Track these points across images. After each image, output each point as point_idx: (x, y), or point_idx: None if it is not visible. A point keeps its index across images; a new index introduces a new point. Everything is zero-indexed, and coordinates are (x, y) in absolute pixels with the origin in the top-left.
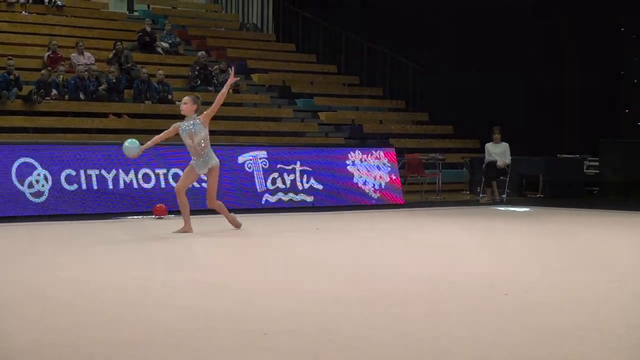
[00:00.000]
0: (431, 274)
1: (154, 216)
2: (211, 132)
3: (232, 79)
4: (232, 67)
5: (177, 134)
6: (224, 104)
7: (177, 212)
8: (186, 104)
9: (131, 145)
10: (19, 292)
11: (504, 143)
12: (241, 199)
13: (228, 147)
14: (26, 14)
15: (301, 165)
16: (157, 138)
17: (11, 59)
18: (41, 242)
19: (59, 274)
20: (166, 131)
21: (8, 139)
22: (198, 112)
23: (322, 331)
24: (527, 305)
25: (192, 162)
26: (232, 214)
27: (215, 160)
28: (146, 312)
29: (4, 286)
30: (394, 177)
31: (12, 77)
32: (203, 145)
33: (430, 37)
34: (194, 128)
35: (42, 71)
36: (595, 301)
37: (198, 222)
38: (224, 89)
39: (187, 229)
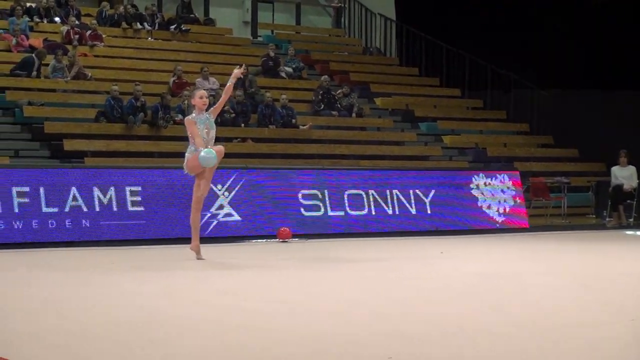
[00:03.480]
0: (558, 299)
1: (278, 240)
2: (334, 156)
3: (238, 73)
4: (243, 65)
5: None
6: (347, 128)
7: (302, 236)
8: (202, 98)
9: (208, 155)
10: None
11: (630, 166)
12: (366, 224)
13: (363, 171)
14: (152, 40)
15: (425, 188)
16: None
17: (138, 85)
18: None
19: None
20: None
21: (135, 163)
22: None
23: (443, 355)
24: None
25: (193, 154)
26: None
27: None
28: (262, 337)
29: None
30: (518, 201)
31: (139, 103)
32: (213, 137)
33: (555, 61)
34: (209, 122)
35: (163, 93)
36: None
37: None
38: (230, 82)
39: (197, 247)
